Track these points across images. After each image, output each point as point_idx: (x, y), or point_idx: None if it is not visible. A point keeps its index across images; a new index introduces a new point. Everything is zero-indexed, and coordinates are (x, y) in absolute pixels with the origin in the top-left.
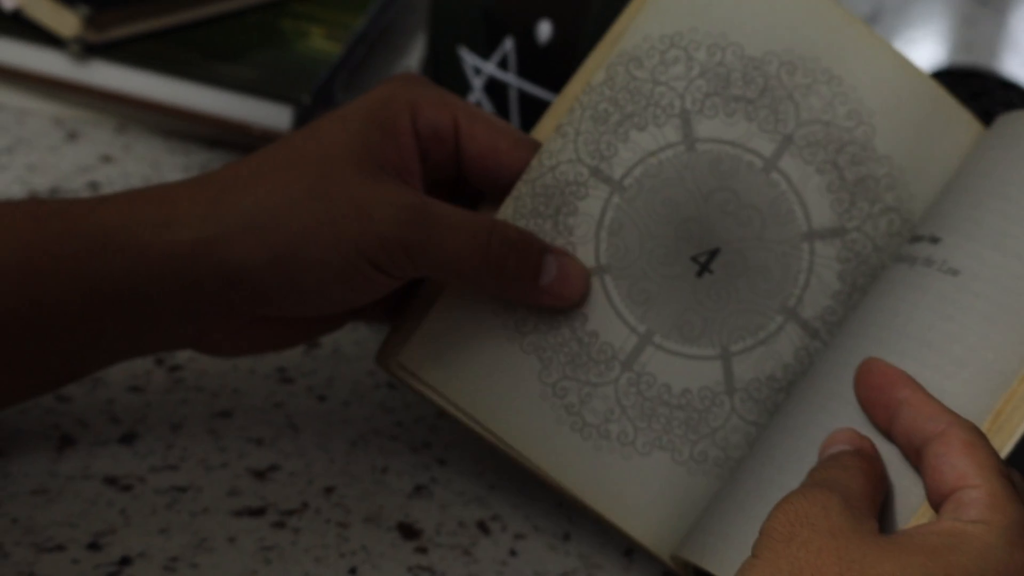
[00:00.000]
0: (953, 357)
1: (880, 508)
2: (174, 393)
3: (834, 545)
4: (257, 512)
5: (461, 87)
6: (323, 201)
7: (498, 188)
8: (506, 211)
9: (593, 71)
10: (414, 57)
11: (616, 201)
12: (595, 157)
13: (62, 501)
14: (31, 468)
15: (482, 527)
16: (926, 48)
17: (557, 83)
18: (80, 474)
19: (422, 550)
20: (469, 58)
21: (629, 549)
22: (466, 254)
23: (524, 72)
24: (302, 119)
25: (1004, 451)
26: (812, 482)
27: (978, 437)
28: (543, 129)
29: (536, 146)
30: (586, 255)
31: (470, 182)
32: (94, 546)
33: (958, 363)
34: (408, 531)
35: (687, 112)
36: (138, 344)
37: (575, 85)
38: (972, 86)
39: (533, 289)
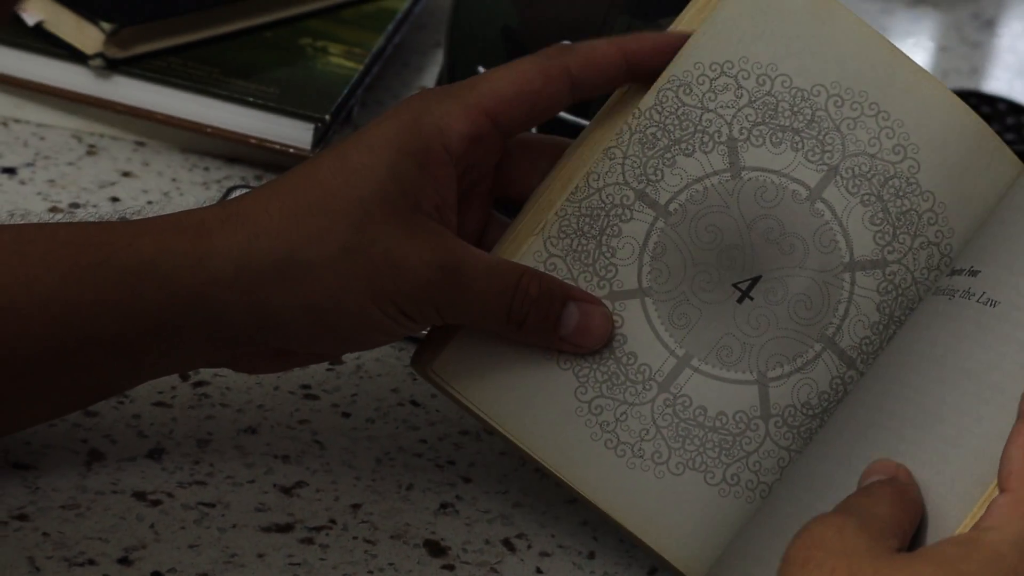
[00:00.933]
0: (991, 383)
1: (914, 532)
2: (199, 409)
3: (846, 563)
4: (285, 528)
5: None
6: (359, 256)
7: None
8: (550, 229)
9: (642, 95)
10: (428, 75)
11: (660, 225)
12: (641, 181)
13: (92, 516)
14: (60, 482)
15: (508, 545)
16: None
17: (579, 105)
18: (109, 489)
19: (449, 567)
20: None
21: (653, 568)
22: (491, 311)
23: None
24: (322, 137)
25: None
26: (834, 509)
27: None
28: (586, 150)
29: (558, 65)
30: (628, 277)
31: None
32: (125, 561)
33: (996, 389)
34: (435, 548)
35: (734, 140)
36: (171, 368)
37: (622, 108)
38: (980, 111)
39: (554, 340)
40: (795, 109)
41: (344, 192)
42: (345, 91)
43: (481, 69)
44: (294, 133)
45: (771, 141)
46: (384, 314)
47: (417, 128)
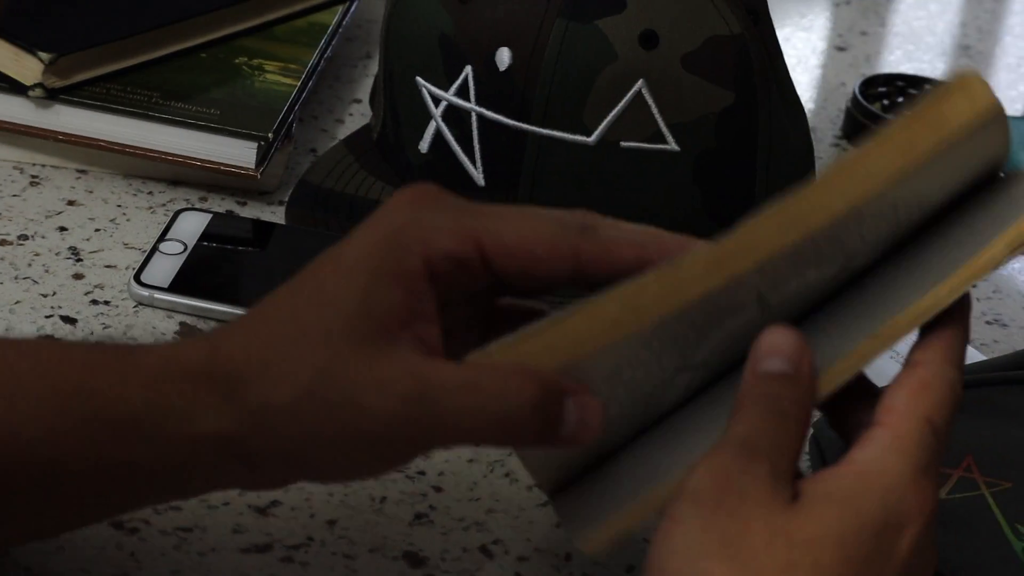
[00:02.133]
0: None
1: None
2: None
3: (761, 514)
4: (264, 548)
5: (420, 116)
6: (320, 401)
7: (538, 288)
8: (668, 304)
9: (816, 210)
10: (361, 87)
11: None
12: (768, 286)
13: (72, 548)
14: None
15: (485, 551)
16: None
17: (519, 109)
18: None
19: None
20: (427, 87)
21: (631, 566)
22: (482, 430)
23: (484, 99)
24: (266, 154)
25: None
26: (741, 439)
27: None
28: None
29: (570, 243)
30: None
31: (520, 289)
32: None
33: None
34: (414, 559)
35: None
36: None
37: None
38: (911, 92)
39: (554, 440)
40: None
41: (314, 327)
42: (285, 108)
43: (420, 79)
44: (238, 152)
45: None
46: (353, 460)
47: (398, 240)
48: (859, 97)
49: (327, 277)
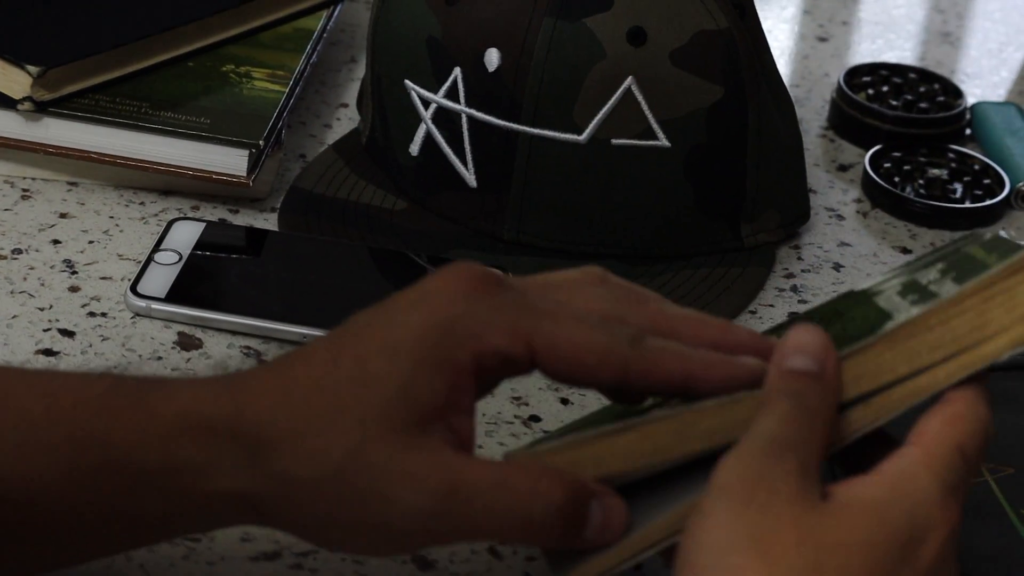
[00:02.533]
0: None
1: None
2: None
3: (791, 512)
4: (272, 556)
5: (410, 119)
6: (347, 485)
7: (579, 385)
8: (721, 437)
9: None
10: (347, 91)
11: None
12: None
13: (79, 566)
14: None
15: (493, 552)
16: (864, 45)
17: (509, 109)
18: None
19: None
20: (416, 90)
21: (639, 563)
22: (507, 529)
23: (474, 100)
24: (257, 162)
25: None
26: (769, 435)
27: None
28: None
29: (621, 355)
30: None
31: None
32: None
33: None
34: (423, 562)
35: None
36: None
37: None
38: (892, 81)
39: (576, 541)
40: None
41: (351, 406)
42: (274, 115)
43: (408, 82)
44: (229, 161)
45: None
46: (370, 542)
47: (451, 331)
48: (844, 87)
49: (371, 355)
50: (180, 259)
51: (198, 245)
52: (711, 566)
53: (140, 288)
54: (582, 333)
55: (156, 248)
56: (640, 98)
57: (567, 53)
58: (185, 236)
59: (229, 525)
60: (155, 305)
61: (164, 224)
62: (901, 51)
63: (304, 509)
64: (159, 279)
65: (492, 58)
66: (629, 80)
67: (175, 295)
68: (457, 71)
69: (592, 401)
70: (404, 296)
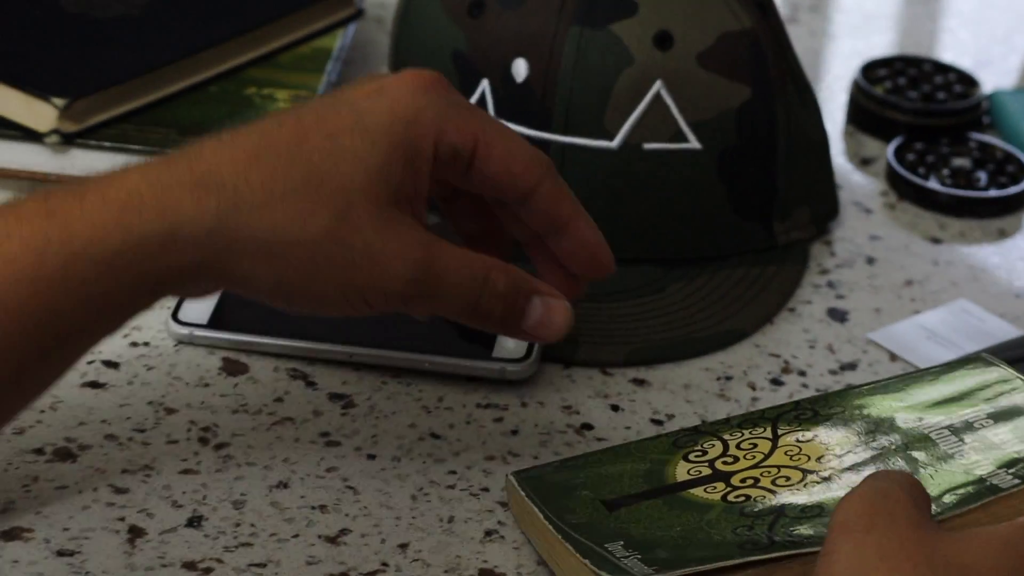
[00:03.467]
0: None
1: None
2: (227, 471)
3: (914, 535)
4: None
5: None
6: (338, 246)
7: (499, 199)
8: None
9: None
10: None
11: None
12: None
13: None
14: (108, 563)
15: None
16: (874, 38)
17: (540, 119)
18: (158, 563)
19: None
20: None
21: None
22: (460, 305)
23: (503, 111)
24: None
25: None
26: (877, 476)
27: None
28: None
29: (538, 174)
30: None
31: (474, 188)
32: None
33: None
34: None
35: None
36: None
37: None
38: (911, 73)
39: (517, 332)
40: None
41: (332, 178)
42: None
43: None
44: None
45: None
46: (346, 302)
47: (415, 122)
48: (862, 83)
49: (343, 133)
50: None
51: None
52: None
53: (181, 315)
54: (516, 143)
55: None
56: (670, 102)
57: (595, 60)
58: None
59: (195, 295)
60: (198, 332)
61: None
62: (916, 47)
63: (283, 268)
64: (199, 306)
65: (520, 69)
66: (658, 84)
67: (217, 321)
68: (485, 83)
69: (641, 406)
70: (360, 89)
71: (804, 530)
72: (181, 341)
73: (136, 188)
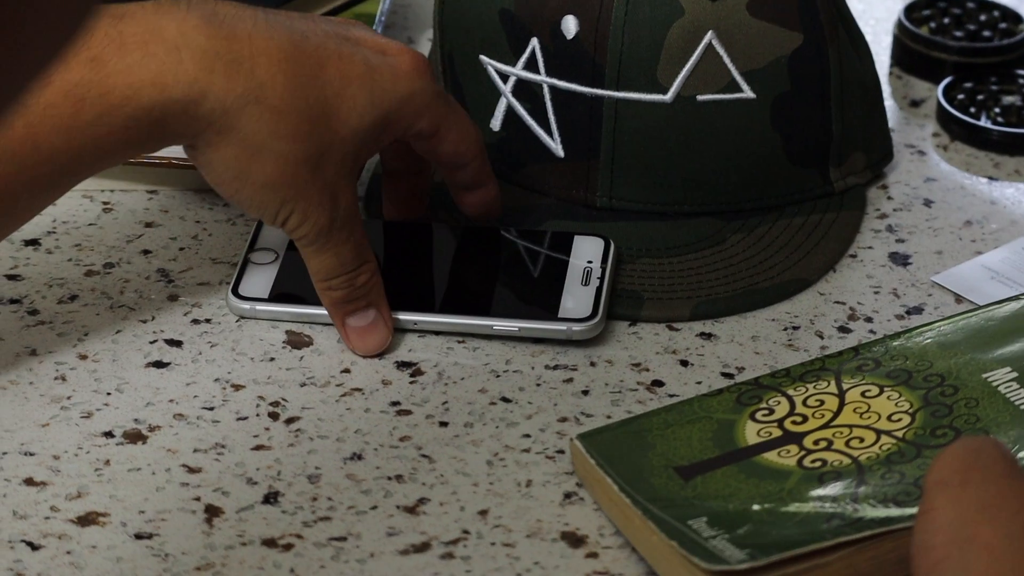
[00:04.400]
0: None
1: None
2: (299, 445)
3: (1009, 485)
4: (422, 548)
5: (488, 95)
6: (304, 175)
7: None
8: None
9: None
10: None
11: None
12: None
13: (230, 572)
14: (187, 544)
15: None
16: None
17: (592, 75)
18: (237, 542)
19: (593, 555)
20: (493, 65)
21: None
22: (324, 267)
23: (555, 70)
24: None
25: None
26: (965, 438)
27: None
28: None
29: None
30: None
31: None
32: None
33: None
34: (573, 539)
35: None
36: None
37: None
38: (954, 12)
39: (335, 318)
40: None
41: (332, 117)
42: None
43: (484, 58)
44: None
45: None
46: (265, 214)
47: (407, 103)
48: (905, 23)
49: (354, 83)
50: (277, 257)
51: (292, 244)
52: (947, 542)
53: (241, 290)
54: (468, 131)
55: (250, 248)
56: (722, 52)
57: (645, 13)
58: (277, 234)
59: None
60: (259, 306)
61: (253, 225)
62: None
63: (248, 170)
64: (258, 280)
65: (569, 25)
66: (709, 35)
67: (278, 294)
68: (534, 41)
69: (710, 360)
70: (367, 39)
71: (888, 505)
72: (242, 316)
73: (176, 46)
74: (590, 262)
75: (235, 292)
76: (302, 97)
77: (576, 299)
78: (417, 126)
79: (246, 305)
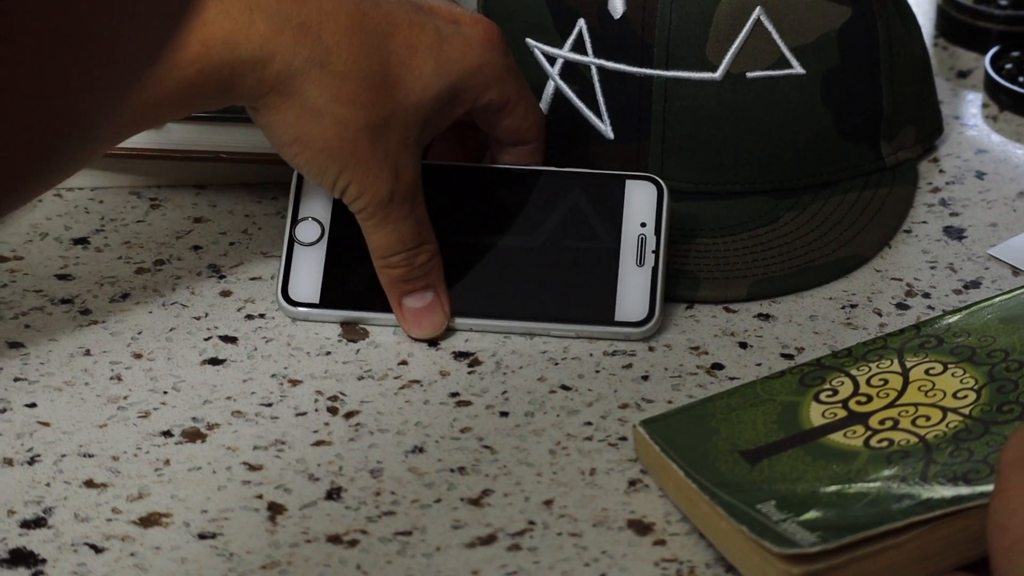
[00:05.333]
0: None
1: None
2: (360, 439)
3: None
4: (488, 540)
5: (535, 78)
6: (366, 143)
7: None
8: None
9: None
10: None
11: None
12: None
13: (295, 570)
14: (252, 543)
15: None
16: None
17: (640, 55)
18: (302, 539)
19: (661, 543)
20: (539, 47)
21: None
22: (384, 241)
23: (602, 50)
24: None
25: None
26: None
27: None
28: None
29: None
30: None
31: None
32: None
33: None
34: (640, 527)
35: None
36: None
37: None
38: None
39: (394, 300)
40: None
41: (397, 86)
42: None
43: (530, 41)
44: None
45: None
46: (325, 179)
47: (476, 76)
48: None
49: (421, 53)
50: (323, 233)
51: (337, 205)
52: (1023, 523)
53: (292, 293)
54: (533, 108)
55: (294, 221)
56: (770, 27)
57: None
58: (319, 200)
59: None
60: (312, 312)
61: (303, 218)
62: None
63: (310, 133)
64: (307, 272)
65: (616, 5)
66: (757, 11)
67: (328, 298)
68: (581, 23)
69: (769, 341)
70: (440, 9)
71: (958, 483)
72: (295, 319)
73: (248, 6)
74: (643, 225)
75: (285, 295)
76: (366, 64)
77: (632, 291)
78: (485, 97)
79: (300, 311)
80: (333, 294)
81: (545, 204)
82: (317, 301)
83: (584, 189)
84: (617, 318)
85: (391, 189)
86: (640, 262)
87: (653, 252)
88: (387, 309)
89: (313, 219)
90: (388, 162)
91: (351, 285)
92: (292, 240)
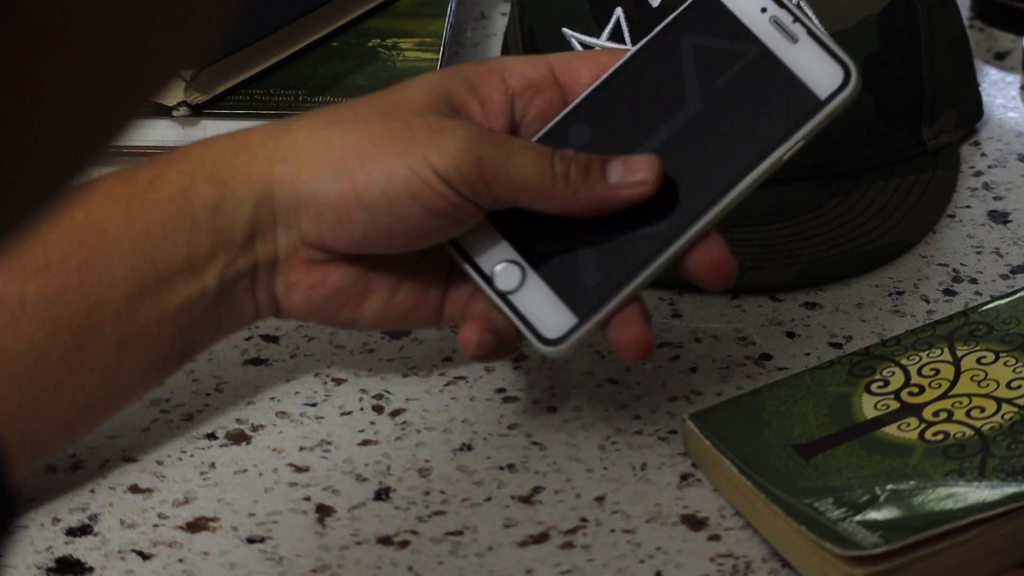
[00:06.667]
0: None
1: None
2: (407, 438)
3: None
4: (541, 538)
5: None
6: (397, 121)
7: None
8: None
9: None
10: (488, 48)
11: None
12: None
13: (345, 572)
14: (301, 546)
15: None
16: None
17: None
18: (352, 541)
19: (715, 538)
20: (576, 37)
21: None
22: (533, 172)
23: (641, 39)
24: None
25: None
26: None
27: None
28: None
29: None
30: None
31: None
32: None
33: None
34: (693, 522)
35: None
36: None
37: None
38: None
39: (601, 194)
40: None
41: (392, 99)
42: None
43: (567, 31)
44: None
45: None
46: (417, 175)
47: (480, 64)
48: None
49: (406, 82)
50: (517, 263)
51: (504, 231)
52: None
53: (548, 334)
54: (590, 60)
55: (488, 282)
56: (810, 13)
57: None
58: (481, 239)
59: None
60: (581, 331)
61: None
62: None
63: (341, 151)
64: (541, 308)
65: None
66: None
67: (578, 309)
68: (619, 11)
69: (817, 330)
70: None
71: (1019, 478)
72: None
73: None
74: (764, 10)
75: (544, 341)
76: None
77: (810, 65)
78: (516, 73)
79: (569, 342)
80: (580, 306)
81: (671, 70)
82: (576, 322)
83: (690, 28)
84: (821, 96)
85: (464, 133)
86: (793, 39)
87: (795, 22)
88: (635, 270)
89: (503, 263)
90: (434, 123)
91: (585, 281)
92: (505, 299)
